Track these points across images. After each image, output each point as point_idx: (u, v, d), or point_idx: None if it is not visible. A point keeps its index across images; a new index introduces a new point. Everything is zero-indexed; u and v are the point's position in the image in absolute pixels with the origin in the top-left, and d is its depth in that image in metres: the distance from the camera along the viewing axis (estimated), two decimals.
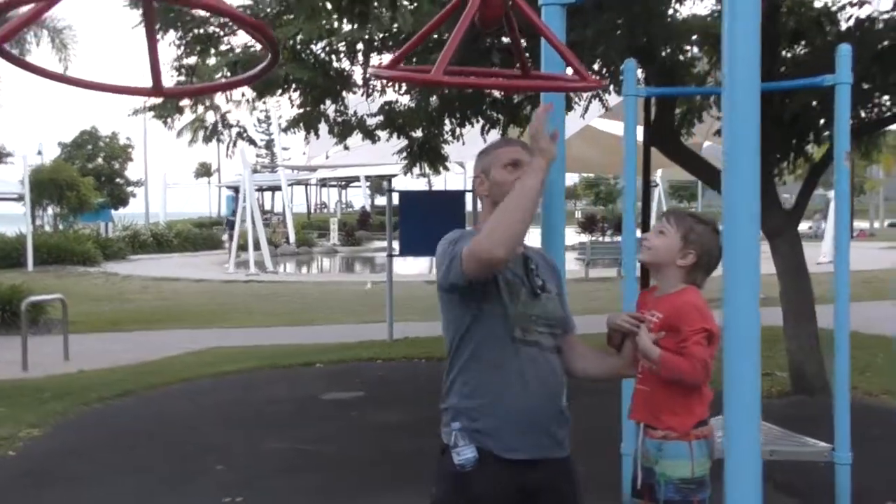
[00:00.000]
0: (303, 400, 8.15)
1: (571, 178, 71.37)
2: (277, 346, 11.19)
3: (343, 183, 66.83)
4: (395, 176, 68.18)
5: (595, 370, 2.68)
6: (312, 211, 66.78)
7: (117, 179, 50.97)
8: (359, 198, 67.26)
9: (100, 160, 50.22)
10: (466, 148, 11.67)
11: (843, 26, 7.80)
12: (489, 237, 2.33)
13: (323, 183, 66.11)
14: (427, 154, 10.73)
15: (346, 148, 10.35)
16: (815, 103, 7.45)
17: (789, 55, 8.06)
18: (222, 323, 14.00)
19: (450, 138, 10.45)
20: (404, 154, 10.77)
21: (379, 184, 75.57)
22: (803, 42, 7.87)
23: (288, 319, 14.30)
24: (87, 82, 2.30)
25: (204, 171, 74.95)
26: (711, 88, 4.32)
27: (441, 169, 11.10)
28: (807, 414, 6.74)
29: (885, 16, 7.43)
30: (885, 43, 7.22)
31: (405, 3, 5.93)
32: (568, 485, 2.60)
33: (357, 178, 58.08)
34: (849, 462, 4.38)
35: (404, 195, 11.98)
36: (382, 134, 10.44)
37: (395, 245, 12.31)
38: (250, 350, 10.89)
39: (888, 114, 8.19)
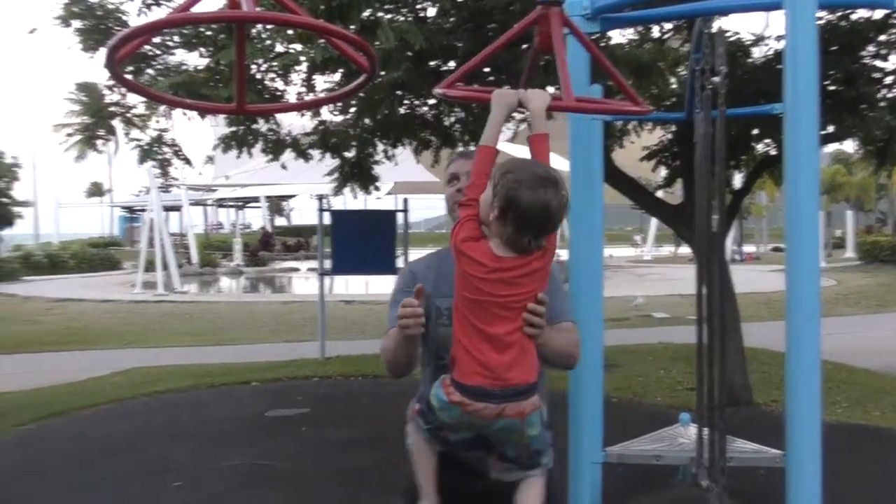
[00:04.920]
0: (248, 417, 8.15)
1: None
2: (206, 364, 11.08)
3: (241, 203, 65.96)
4: (294, 196, 67.16)
5: None
6: (208, 231, 65.67)
7: (2, 199, 48.87)
8: (257, 218, 66.40)
9: None
10: (399, 168, 11.92)
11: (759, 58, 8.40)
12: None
13: (220, 203, 65.12)
14: (358, 175, 10.89)
15: (284, 167, 10.40)
16: (732, 132, 7.96)
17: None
18: (141, 343, 13.74)
19: (382, 159, 10.64)
20: (335, 174, 10.90)
21: (278, 205, 75.02)
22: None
23: (209, 339, 14.14)
24: (179, 100, 2.43)
25: (96, 190, 72.84)
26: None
27: (372, 189, 11.24)
28: (738, 424, 7.17)
29: None
30: None
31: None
32: None
33: (256, 199, 57.32)
34: None
35: (337, 214, 12.00)
36: (314, 153, 10.58)
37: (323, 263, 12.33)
38: (179, 369, 10.75)
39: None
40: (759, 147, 8.88)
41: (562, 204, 2.33)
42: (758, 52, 8.22)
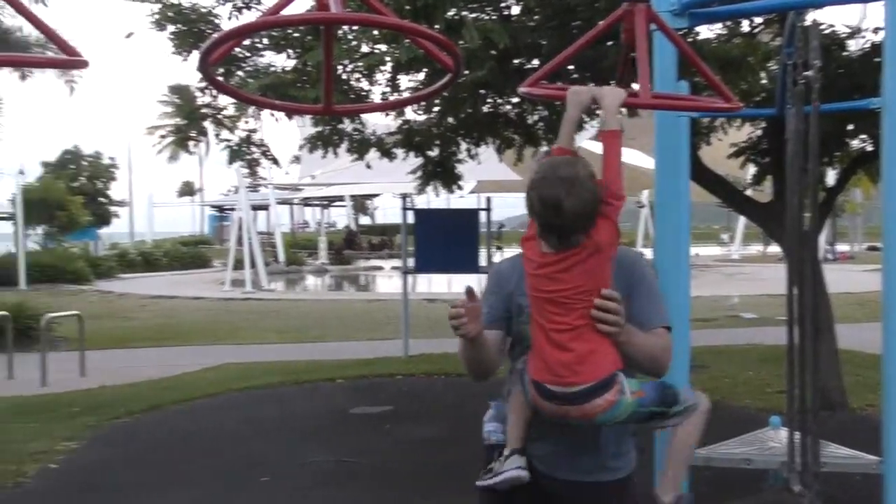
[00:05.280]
0: (333, 414, 8.28)
1: None
2: (293, 361, 11.31)
3: (326, 202, 66.95)
4: (378, 195, 67.88)
5: None
6: (294, 230, 66.85)
7: (100, 199, 50.69)
8: (342, 217, 67.31)
9: (83, 179, 49.91)
10: (482, 167, 11.93)
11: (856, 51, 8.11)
12: None
13: (306, 202, 66.24)
14: (441, 173, 10.93)
15: (369, 166, 10.51)
16: (825, 128, 7.71)
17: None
18: (231, 340, 14.10)
19: (466, 157, 10.65)
20: (419, 173, 10.96)
21: (362, 204, 75.96)
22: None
23: (296, 336, 14.42)
24: (267, 102, 2.50)
25: (187, 189, 75.05)
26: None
27: (455, 188, 11.27)
28: (831, 428, 6.94)
29: None
30: None
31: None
32: None
33: (341, 198, 58.13)
34: None
35: (421, 213, 12.10)
36: (398, 152, 10.66)
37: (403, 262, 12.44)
38: (267, 366, 10.99)
39: None
40: (855, 143, 8.59)
41: (580, 203, 2.31)
42: (854, 45, 7.95)
